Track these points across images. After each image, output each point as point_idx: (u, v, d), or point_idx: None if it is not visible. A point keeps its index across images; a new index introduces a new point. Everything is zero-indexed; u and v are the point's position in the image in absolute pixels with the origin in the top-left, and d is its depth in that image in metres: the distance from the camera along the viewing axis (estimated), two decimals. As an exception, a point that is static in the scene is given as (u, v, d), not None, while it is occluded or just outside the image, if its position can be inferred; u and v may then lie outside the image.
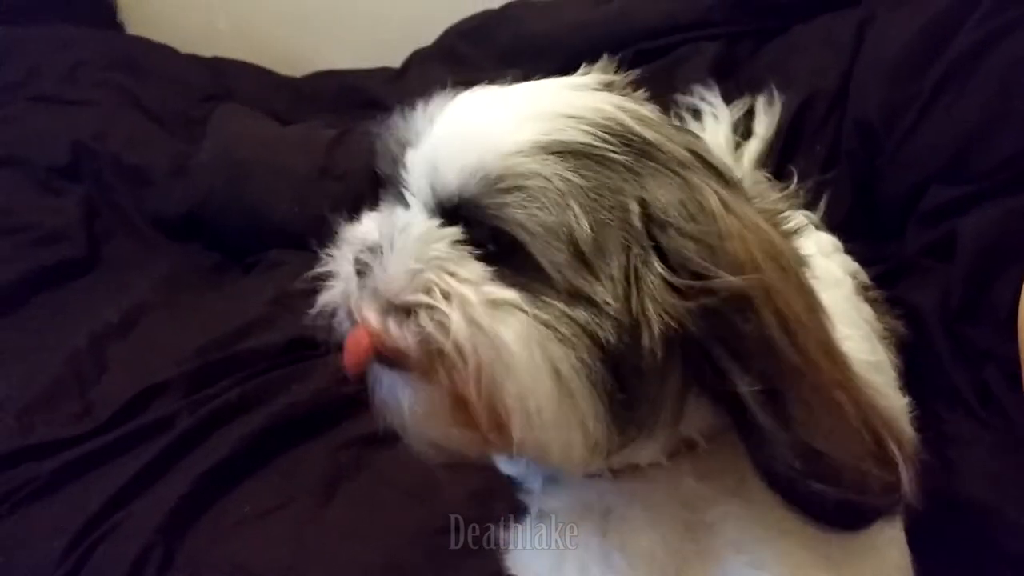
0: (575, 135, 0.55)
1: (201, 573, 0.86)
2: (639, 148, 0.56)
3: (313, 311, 0.64)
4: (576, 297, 0.54)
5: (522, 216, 0.54)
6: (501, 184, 0.54)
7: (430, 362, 0.55)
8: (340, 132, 1.53)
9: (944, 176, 1.12)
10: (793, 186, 1.18)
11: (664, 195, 0.55)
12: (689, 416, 0.59)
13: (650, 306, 0.53)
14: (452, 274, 0.55)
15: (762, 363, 0.54)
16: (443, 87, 1.69)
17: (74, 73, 1.80)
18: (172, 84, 1.85)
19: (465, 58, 1.75)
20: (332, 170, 1.46)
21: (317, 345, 1.17)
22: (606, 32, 1.55)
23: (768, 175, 1.23)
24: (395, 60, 1.90)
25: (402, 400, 0.57)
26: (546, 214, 0.54)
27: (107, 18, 2.17)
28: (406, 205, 0.60)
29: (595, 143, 0.55)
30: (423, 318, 0.55)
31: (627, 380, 0.54)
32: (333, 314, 0.62)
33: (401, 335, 0.55)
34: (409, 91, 1.72)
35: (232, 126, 1.63)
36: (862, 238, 1.12)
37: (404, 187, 0.60)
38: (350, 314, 0.59)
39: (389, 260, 0.57)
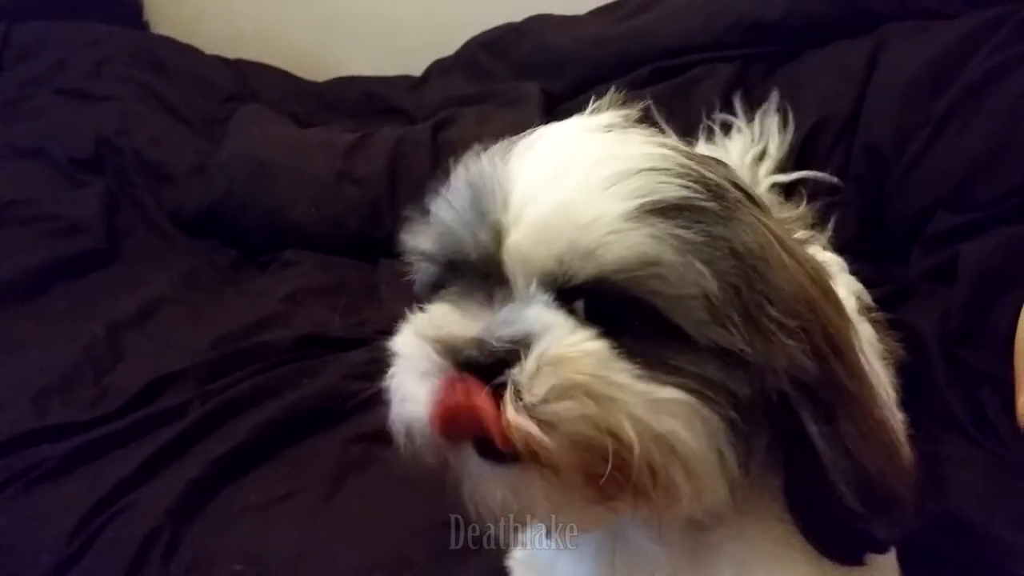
0: (669, 190, 0.55)
1: (208, 557, 0.88)
2: (715, 191, 0.57)
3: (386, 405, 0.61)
4: (714, 352, 0.54)
5: (658, 285, 0.54)
6: (624, 259, 0.54)
7: (572, 460, 0.54)
8: (360, 137, 1.56)
9: (950, 202, 1.15)
10: (803, 206, 1.20)
11: (746, 237, 0.56)
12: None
13: (774, 348, 0.54)
14: (602, 377, 0.53)
15: (822, 393, 0.55)
16: (461, 102, 1.71)
17: (99, 69, 1.84)
18: (196, 84, 1.89)
19: (485, 69, 1.78)
20: (350, 174, 1.49)
21: (329, 342, 1.21)
22: (624, 49, 1.58)
23: (778, 193, 1.25)
24: (416, 69, 1.94)
25: (528, 495, 0.55)
26: (678, 278, 0.54)
27: (133, 17, 2.21)
28: (501, 288, 0.58)
29: (687, 195, 0.55)
30: (572, 422, 0.53)
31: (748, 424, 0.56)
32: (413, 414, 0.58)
33: (547, 440, 0.53)
34: (429, 100, 1.77)
35: (253, 127, 1.66)
36: (868, 260, 1.14)
37: (496, 271, 0.58)
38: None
39: (532, 364, 0.53)
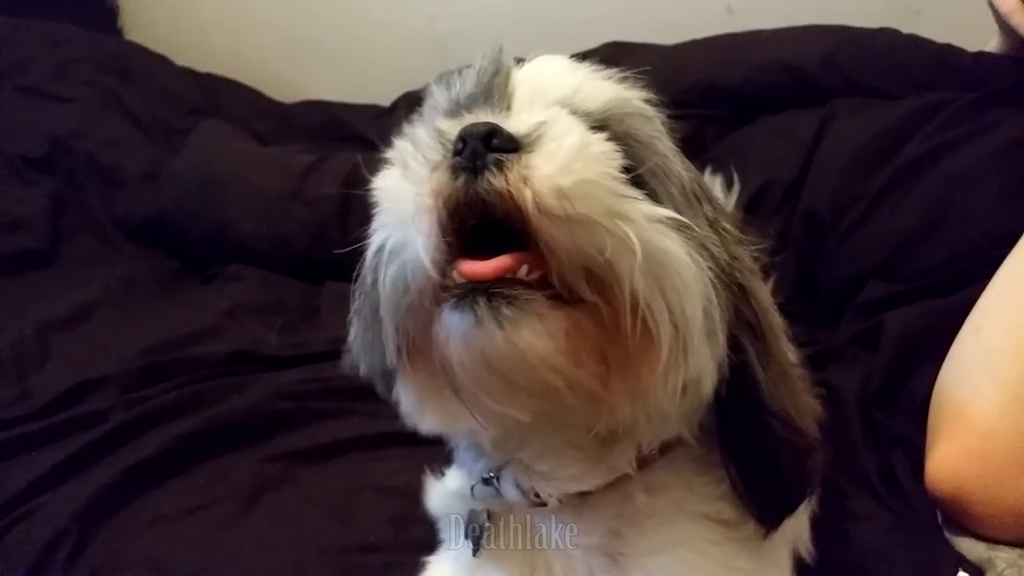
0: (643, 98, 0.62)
1: (113, 564, 0.86)
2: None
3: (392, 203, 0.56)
4: (683, 228, 0.56)
5: (661, 145, 0.59)
6: (626, 100, 0.60)
7: (577, 280, 0.51)
8: (317, 159, 1.56)
9: (881, 272, 1.18)
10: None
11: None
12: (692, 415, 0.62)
13: (739, 254, 0.61)
14: (614, 191, 0.52)
15: (758, 333, 0.61)
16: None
17: (63, 70, 1.83)
18: (160, 93, 1.88)
19: (450, 107, 1.80)
20: (303, 195, 1.49)
21: (262, 360, 1.20)
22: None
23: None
24: (385, 99, 1.95)
25: (524, 328, 0.50)
26: (667, 147, 0.60)
27: (108, 22, 2.21)
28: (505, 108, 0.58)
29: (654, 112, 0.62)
30: (586, 231, 0.50)
31: None
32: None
33: (564, 241, 0.50)
34: (394, 130, 1.78)
35: (212, 140, 1.66)
36: (800, 321, 1.16)
37: (502, 99, 0.59)
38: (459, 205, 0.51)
39: (547, 155, 0.51)
